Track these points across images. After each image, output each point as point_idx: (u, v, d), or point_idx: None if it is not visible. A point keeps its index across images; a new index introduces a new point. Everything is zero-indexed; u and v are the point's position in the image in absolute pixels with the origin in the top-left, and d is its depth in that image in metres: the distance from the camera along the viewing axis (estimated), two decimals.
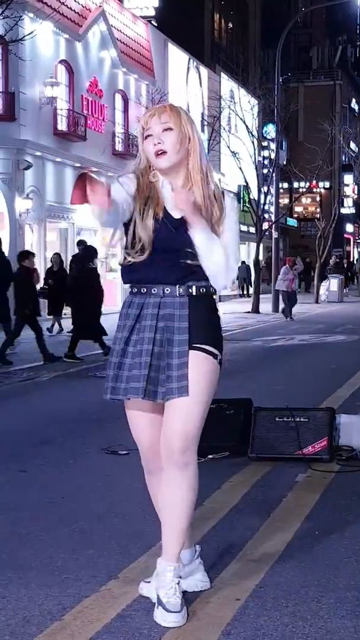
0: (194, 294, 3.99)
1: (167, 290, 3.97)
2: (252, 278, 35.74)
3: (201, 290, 4.01)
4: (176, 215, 3.95)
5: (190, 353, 3.94)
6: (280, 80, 34.97)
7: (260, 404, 7.55)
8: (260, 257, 34.16)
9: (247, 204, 34.47)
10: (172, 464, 4.00)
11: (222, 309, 31.75)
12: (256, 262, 33.13)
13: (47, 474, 6.79)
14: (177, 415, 3.94)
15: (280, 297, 28.88)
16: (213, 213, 4.00)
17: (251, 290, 37.46)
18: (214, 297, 4.12)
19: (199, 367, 3.95)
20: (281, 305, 28.42)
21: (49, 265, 23.59)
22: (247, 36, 59.20)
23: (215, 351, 4.03)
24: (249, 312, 31.02)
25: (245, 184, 34.43)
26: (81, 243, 21.27)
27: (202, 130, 37.23)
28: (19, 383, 12.57)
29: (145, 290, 4.00)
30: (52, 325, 21.77)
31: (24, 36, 19.84)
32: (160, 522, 4.17)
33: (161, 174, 4.01)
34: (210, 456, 7.15)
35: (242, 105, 34.48)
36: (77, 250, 21.00)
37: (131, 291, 4.08)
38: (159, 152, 3.92)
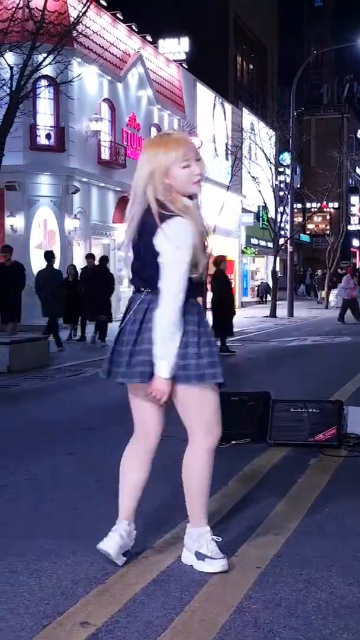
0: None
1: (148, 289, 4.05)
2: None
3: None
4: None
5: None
6: (295, 114, 34.89)
7: (277, 396, 7.54)
8: (277, 269, 34.07)
9: (265, 222, 34.48)
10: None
11: (244, 313, 31.97)
12: (273, 272, 33.07)
13: (93, 456, 6.81)
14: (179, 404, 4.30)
15: (339, 303, 28.41)
16: None
17: (269, 297, 37.37)
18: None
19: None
20: (338, 310, 27.84)
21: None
22: (265, 76, 59.14)
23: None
24: (267, 316, 31.00)
25: (264, 204, 34.45)
26: (88, 256, 21.20)
27: (226, 159, 37.26)
28: (67, 378, 12.62)
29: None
30: (71, 333, 20.61)
31: (73, 78, 19.93)
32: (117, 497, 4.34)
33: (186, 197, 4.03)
34: (233, 442, 7.16)
35: (261, 136, 34.57)
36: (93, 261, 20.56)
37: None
38: (198, 182, 4.03)
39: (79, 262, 24.21)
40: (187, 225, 3.88)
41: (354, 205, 68.12)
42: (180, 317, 3.89)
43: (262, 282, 46.71)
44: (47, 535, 4.69)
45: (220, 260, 16.55)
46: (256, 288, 47.94)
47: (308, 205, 55.77)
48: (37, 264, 25.35)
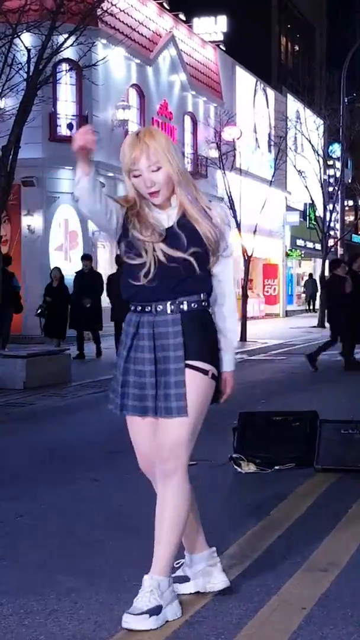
0: (186, 310, 3.97)
1: (159, 307, 3.97)
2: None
3: (193, 305, 3.99)
4: (165, 225, 3.99)
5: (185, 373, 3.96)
6: (346, 100, 34.83)
7: (325, 416, 7.50)
8: (326, 273, 33.97)
9: (313, 222, 34.40)
10: (161, 473, 4.03)
11: (289, 323, 32.00)
12: (322, 278, 32.97)
13: (117, 483, 6.81)
14: (166, 430, 3.96)
15: None
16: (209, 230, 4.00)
17: (317, 305, 37.29)
18: (208, 310, 4.11)
19: (191, 387, 3.93)
20: None
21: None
22: (313, 58, 59.03)
23: (207, 366, 3.99)
24: (314, 326, 30.92)
25: (311, 201, 34.38)
26: (86, 258, 20.32)
27: (269, 151, 37.26)
28: (89, 395, 12.64)
29: (140, 308, 4.02)
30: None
31: (97, 62, 20.00)
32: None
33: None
34: (276, 467, 7.15)
35: (307, 125, 34.49)
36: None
37: (130, 308, 4.08)
38: (152, 194, 3.93)
39: (105, 268, 24.34)
40: None
41: None
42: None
43: (307, 280, 46.33)
44: (66, 571, 4.69)
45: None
46: (302, 288, 47.71)
47: None
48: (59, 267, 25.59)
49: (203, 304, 4.03)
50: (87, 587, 4.43)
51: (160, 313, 3.96)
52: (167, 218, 3.99)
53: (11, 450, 8.56)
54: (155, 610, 3.85)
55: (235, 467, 7.22)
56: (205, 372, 3.97)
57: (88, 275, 19.42)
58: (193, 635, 3.84)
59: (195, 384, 3.93)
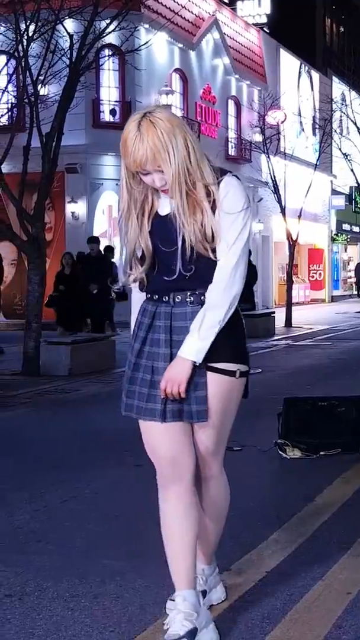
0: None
1: (178, 298, 3.52)
2: None
3: None
4: (164, 212, 3.53)
5: (207, 375, 3.52)
6: None
7: None
8: None
9: (359, 205, 34.16)
10: (207, 478, 3.77)
11: (335, 309, 31.84)
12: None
13: None
14: (202, 443, 3.63)
15: None
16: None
17: None
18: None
19: (215, 391, 3.51)
20: None
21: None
22: (358, 39, 58.57)
23: (233, 367, 3.54)
24: None
25: (357, 184, 34.16)
26: (93, 240, 19.40)
27: (314, 134, 37.03)
28: None
29: (157, 297, 3.57)
30: None
31: (140, 46, 19.96)
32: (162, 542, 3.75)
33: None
34: (322, 453, 7.14)
35: (353, 107, 34.27)
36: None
37: (146, 297, 3.65)
38: (163, 190, 3.48)
39: None
40: None
41: None
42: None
43: (358, 264, 45.98)
44: (111, 555, 4.73)
45: None
46: (349, 273, 47.33)
47: None
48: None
49: None
50: (131, 571, 4.46)
51: (179, 304, 3.52)
52: (168, 204, 3.52)
53: (56, 437, 8.62)
54: (190, 635, 3.46)
55: (280, 452, 7.22)
56: (232, 373, 3.54)
57: (95, 259, 18.77)
58: (238, 619, 3.86)
59: (220, 389, 3.51)
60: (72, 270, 18.99)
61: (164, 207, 3.53)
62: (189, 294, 3.49)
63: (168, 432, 3.54)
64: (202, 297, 3.48)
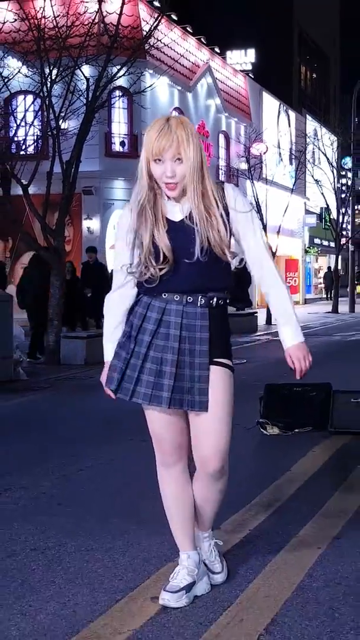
0: (214, 305, 3.34)
1: (190, 299, 3.31)
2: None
3: (220, 302, 3.36)
4: (178, 218, 3.31)
5: (213, 369, 3.34)
6: (356, 119, 34.51)
7: (338, 387, 7.47)
8: (339, 267, 33.79)
9: (327, 223, 34.22)
10: (208, 475, 3.47)
11: (308, 309, 31.77)
12: (335, 270, 32.81)
13: None
14: (210, 435, 3.38)
15: None
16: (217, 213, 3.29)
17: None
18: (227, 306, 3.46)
19: (222, 384, 3.36)
20: None
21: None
22: (328, 84, 58.59)
23: (231, 362, 3.43)
24: (329, 312, 30.75)
25: (326, 206, 34.14)
26: (92, 250, 18.61)
27: (290, 163, 37.00)
28: None
29: (166, 295, 3.33)
30: None
31: (145, 89, 19.94)
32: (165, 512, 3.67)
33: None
34: (296, 430, 7.15)
35: (323, 141, 34.25)
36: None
37: (149, 293, 3.37)
38: (169, 185, 3.25)
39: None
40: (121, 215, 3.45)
41: None
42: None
43: (326, 272, 45.88)
44: (121, 517, 4.73)
45: None
46: (319, 280, 47.28)
47: None
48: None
49: (227, 300, 3.41)
50: (137, 529, 4.46)
51: (190, 304, 3.31)
52: (180, 210, 3.31)
53: (74, 416, 8.63)
54: (189, 587, 3.49)
55: (262, 430, 7.23)
56: (232, 368, 3.42)
57: (93, 267, 18.19)
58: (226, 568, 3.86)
59: (224, 382, 3.36)
60: (72, 277, 18.10)
61: (175, 213, 3.32)
62: (200, 296, 3.31)
63: (172, 419, 3.45)
64: (211, 301, 3.33)
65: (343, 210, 33.13)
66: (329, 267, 44.37)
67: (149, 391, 3.35)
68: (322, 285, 46.18)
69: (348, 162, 37.94)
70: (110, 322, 3.50)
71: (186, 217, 3.30)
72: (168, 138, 3.19)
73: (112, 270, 3.49)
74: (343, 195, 34.94)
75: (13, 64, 16.92)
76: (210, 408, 3.35)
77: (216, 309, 3.35)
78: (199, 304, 3.32)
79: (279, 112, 39.67)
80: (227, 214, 3.31)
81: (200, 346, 3.32)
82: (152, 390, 3.34)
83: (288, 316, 3.48)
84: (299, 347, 3.53)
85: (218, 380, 3.35)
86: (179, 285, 3.31)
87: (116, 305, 3.47)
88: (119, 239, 3.44)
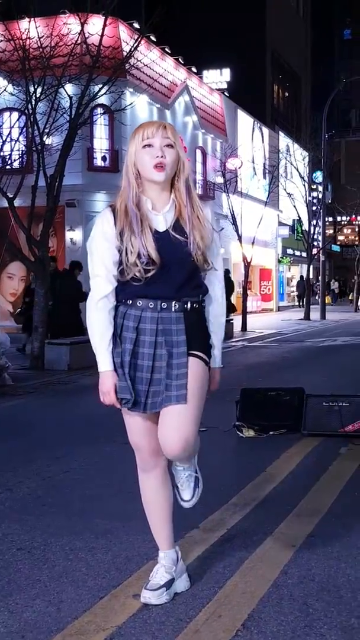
0: (188, 309, 3.27)
1: (164, 305, 3.24)
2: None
3: (195, 305, 3.29)
4: (162, 228, 3.26)
5: (189, 359, 3.26)
6: (326, 136, 34.66)
7: (310, 391, 7.48)
8: (311, 276, 33.90)
9: (299, 234, 34.38)
10: (177, 461, 3.37)
11: (280, 317, 31.86)
12: (307, 279, 32.91)
13: None
14: (174, 421, 3.21)
15: None
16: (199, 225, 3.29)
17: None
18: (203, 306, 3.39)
19: (194, 372, 3.25)
20: None
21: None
22: (299, 102, 58.80)
23: (206, 357, 3.34)
24: (301, 319, 30.83)
25: (298, 218, 34.35)
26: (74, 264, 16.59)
27: (264, 177, 37.11)
28: None
29: (141, 303, 3.25)
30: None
31: (125, 106, 19.97)
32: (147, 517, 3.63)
33: (148, 189, 3.31)
34: (271, 432, 7.14)
35: (295, 156, 34.47)
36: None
37: (124, 302, 3.31)
38: (159, 165, 3.21)
39: None
40: (100, 215, 3.38)
41: None
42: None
43: (298, 281, 45.92)
44: (104, 516, 4.71)
45: None
46: (295, 287, 47.39)
47: (338, 218, 55.36)
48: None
49: (202, 304, 3.36)
50: (119, 528, 4.44)
51: (164, 310, 3.24)
52: (163, 220, 3.28)
53: (58, 419, 8.58)
54: (169, 584, 3.47)
55: (238, 432, 7.22)
56: (206, 362, 3.33)
57: (61, 275, 16.32)
58: (204, 568, 3.85)
59: (198, 371, 3.26)
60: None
61: (158, 223, 3.27)
62: (174, 302, 3.24)
63: (148, 426, 3.38)
64: (186, 305, 3.26)
65: (314, 222, 33.24)
66: (301, 276, 44.55)
67: (127, 397, 3.30)
68: (295, 293, 46.30)
69: (319, 176, 38.09)
70: (98, 330, 3.35)
71: (170, 227, 3.26)
72: (158, 125, 3.23)
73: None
74: (314, 208, 35.09)
75: None
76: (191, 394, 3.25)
77: (191, 312, 3.28)
78: (173, 309, 3.25)
79: (253, 128, 39.80)
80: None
81: (178, 348, 3.24)
82: (139, 397, 3.29)
83: (218, 342, 3.48)
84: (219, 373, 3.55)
85: (191, 369, 3.25)
86: (154, 292, 3.23)
87: (102, 314, 3.34)
88: (100, 241, 3.31)
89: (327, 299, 38.52)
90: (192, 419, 3.23)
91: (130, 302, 3.28)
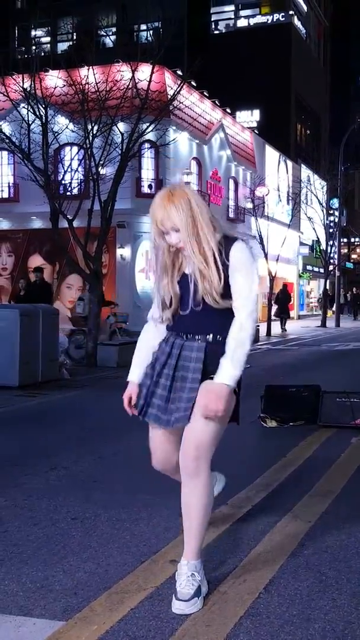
0: (211, 341, 3.11)
1: (189, 336, 3.15)
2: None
3: (218, 337, 3.10)
4: (188, 271, 3.14)
5: (209, 381, 3.05)
6: (342, 168, 34.44)
7: (326, 388, 7.42)
8: (327, 288, 33.70)
9: (318, 253, 34.15)
10: (184, 472, 3.11)
11: (299, 324, 31.72)
12: (324, 292, 32.71)
13: None
14: (191, 430, 3.08)
15: None
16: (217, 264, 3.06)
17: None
18: None
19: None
20: None
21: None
22: (319, 139, 58.50)
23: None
24: (318, 326, 30.63)
25: (317, 239, 34.09)
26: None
27: (288, 203, 36.95)
28: None
29: (175, 332, 3.20)
30: None
31: (169, 142, 20.03)
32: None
33: None
34: (291, 423, 7.11)
35: (315, 186, 34.23)
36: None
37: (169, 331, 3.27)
38: (179, 247, 3.10)
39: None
40: None
41: None
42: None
43: (319, 296, 45.44)
44: (146, 491, 4.71)
45: None
46: (318, 298, 46.95)
47: (352, 240, 54.93)
48: (140, 283, 25.69)
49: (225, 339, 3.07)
50: (160, 503, 4.44)
51: (190, 339, 3.14)
52: (189, 264, 3.13)
53: (109, 409, 8.61)
54: (198, 592, 3.05)
55: (262, 423, 7.19)
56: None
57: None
58: (231, 539, 3.83)
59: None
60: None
61: (188, 266, 3.14)
62: (197, 337, 3.13)
63: (159, 439, 3.38)
64: (208, 338, 3.11)
65: (331, 242, 33.06)
66: (325, 289, 44.51)
67: (154, 412, 3.27)
68: (314, 304, 45.97)
69: (335, 202, 37.86)
70: (140, 347, 3.38)
71: (192, 271, 3.11)
72: (161, 212, 3.05)
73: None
74: (331, 230, 34.88)
75: (62, 121, 17.07)
76: (200, 409, 3.05)
77: (213, 344, 3.11)
78: (196, 340, 3.14)
79: (278, 161, 39.68)
80: (225, 265, 3.06)
81: (193, 374, 3.10)
82: (156, 410, 3.26)
83: (230, 352, 3.06)
84: (220, 388, 3.03)
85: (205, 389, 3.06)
86: (182, 326, 3.17)
87: (149, 335, 3.35)
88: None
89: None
90: (209, 429, 3.05)
91: (170, 332, 3.24)
